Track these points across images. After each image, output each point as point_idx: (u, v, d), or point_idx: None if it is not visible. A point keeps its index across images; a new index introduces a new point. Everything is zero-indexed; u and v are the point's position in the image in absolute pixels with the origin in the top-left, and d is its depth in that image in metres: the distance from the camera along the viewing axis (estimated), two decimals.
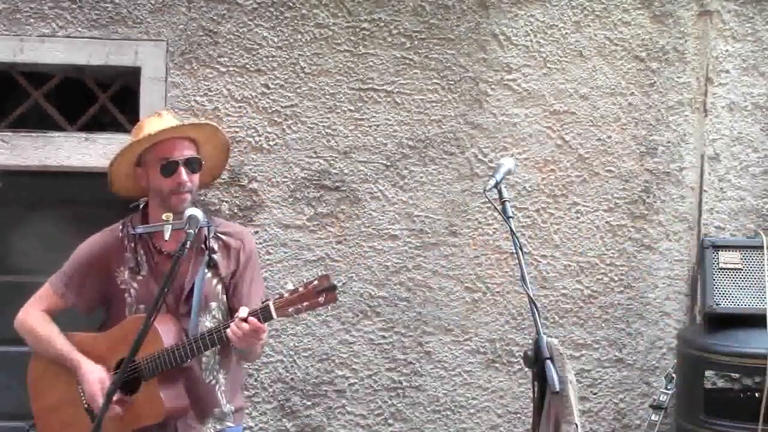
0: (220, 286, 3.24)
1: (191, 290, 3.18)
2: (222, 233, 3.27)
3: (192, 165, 3.19)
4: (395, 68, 4.35)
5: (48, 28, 4.22)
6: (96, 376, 3.13)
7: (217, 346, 3.13)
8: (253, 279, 3.30)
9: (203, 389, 3.22)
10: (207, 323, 3.20)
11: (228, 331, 2.99)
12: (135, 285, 3.21)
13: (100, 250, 3.26)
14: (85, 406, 3.18)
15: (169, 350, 3.05)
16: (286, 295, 2.96)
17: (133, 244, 3.23)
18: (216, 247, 3.24)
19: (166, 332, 3.10)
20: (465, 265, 4.40)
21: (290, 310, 2.95)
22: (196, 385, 3.20)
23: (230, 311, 3.27)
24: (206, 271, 3.20)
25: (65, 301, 3.28)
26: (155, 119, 3.29)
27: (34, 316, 3.27)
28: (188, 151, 3.20)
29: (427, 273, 4.39)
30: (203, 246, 3.22)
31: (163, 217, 3.09)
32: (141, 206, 3.32)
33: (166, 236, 3.07)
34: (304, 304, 2.94)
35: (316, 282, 2.94)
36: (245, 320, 2.95)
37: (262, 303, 2.99)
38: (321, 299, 2.94)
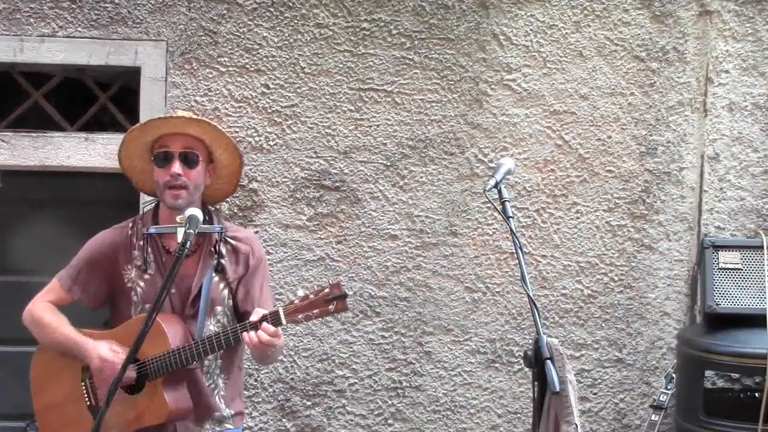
0: (226, 291, 3.24)
1: (198, 293, 3.18)
2: (231, 237, 3.26)
3: (188, 158, 3.15)
4: (395, 68, 4.35)
5: (48, 28, 4.22)
6: (105, 344, 3.11)
7: (223, 350, 3.13)
8: (263, 284, 3.30)
9: (203, 393, 3.22)
10: (212, 327, 3.20)
11: (245, 336, 2.99)
12: (142, 284, 3.21)
13: (108, 247, 3.26)
14: (88, 403, 3.18)
15: (176, 351, 3.05)
16: (296, 301, 2.96)
17: (141, 243, 3.22)
18: (224, 251, 3.24)
19: (172, 333, 3.09)
20: (465, 265, 4.40)
21: (300, 317, 2.95)
22: (197, 388, 3.20)
23: (239, 315, 3.26)
24: (214, 275, 3.20)
25: (71, 296, 3.28)
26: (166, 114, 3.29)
27: (40, 306, 3.26)
28: (189, 146, 3.17)
29: (427, 273, 4.39)
30: (212, 249, 3.21)
31: (177, 219, 3.08)
32: (153, 205, 3.32)
33: (179, 239, 3.05)
34: (314, 311, 2.94)
35: (327, 290, 2.95)
36: (259, 328, 2.95)
37: (272, 309, 2.99)
38: (331, 307, 2.94)
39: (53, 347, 3.24)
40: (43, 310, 3.25)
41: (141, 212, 3.33)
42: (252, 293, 3.26)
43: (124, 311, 3.23)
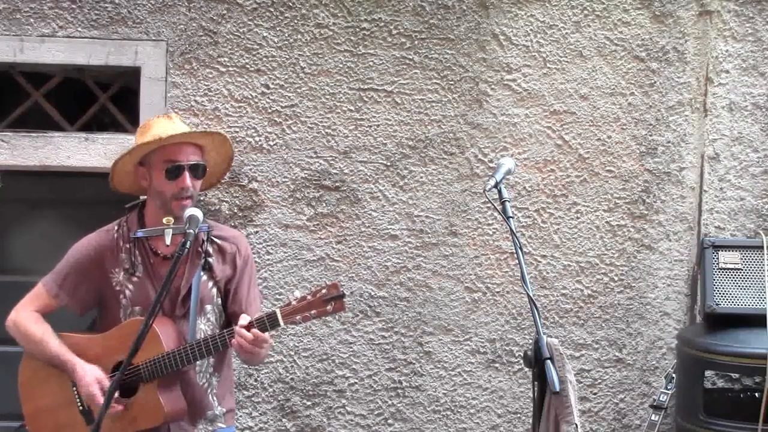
0: (215, 289, 3.23)
1: (187, 293, 3.17)
2: (216, 237, 3.25)
3: (196, 171, 3.16)
4: (395, 68, 4.35)
5: (48, 28, 4.22)
6: (93, 376, 3.10)
7: (219, 351, 3.13)
8: (251, 284, 3.30)
9: (197, 392, 3.21)
10: (202, 326, 3.20)
11: (233, 340, 3.00)
12: (130, 287, 3.19)
13: (94, 251, 3.23)
14: (80, 408, 3.17)
15: (171, 354, 3.05)
16: (293, 302, 2.96)
17: (128, 246, 3.20)
18: (211, 250, 3.23)
19: (166, 336, 3.08)
20: (465, 265, 4.40)
21: (297, 317, 2.95)
22: (190, 387, 3.19)
23: (228, 316, 3.26)
24: (202, 273, 3.19)
25: (58, 302, 3.25)
26: (165, 121, 3.25)
27: (26, 316, 3.23)
28: (194, 157, 3.17)
29: (427, 273, 4.39)
30: (199, 249, 3.21)
31: (164, 221, 3.06)
32: (137, 207, 3.31)
33: (168, 241, 3.05)
34: (312, 312, 2.95)
35: (324, 290, 2.95)
36: (248, 329, 2.96)
37: (269, 311, 2.99)
38: (329, 308, 2.94)
39: (40, 359, 3.23)
40: (28, 321, 3.22)
41: (126, 215, 3.32)
42: (240, 294, 3.25)
43: (113, 314, 3.21)
